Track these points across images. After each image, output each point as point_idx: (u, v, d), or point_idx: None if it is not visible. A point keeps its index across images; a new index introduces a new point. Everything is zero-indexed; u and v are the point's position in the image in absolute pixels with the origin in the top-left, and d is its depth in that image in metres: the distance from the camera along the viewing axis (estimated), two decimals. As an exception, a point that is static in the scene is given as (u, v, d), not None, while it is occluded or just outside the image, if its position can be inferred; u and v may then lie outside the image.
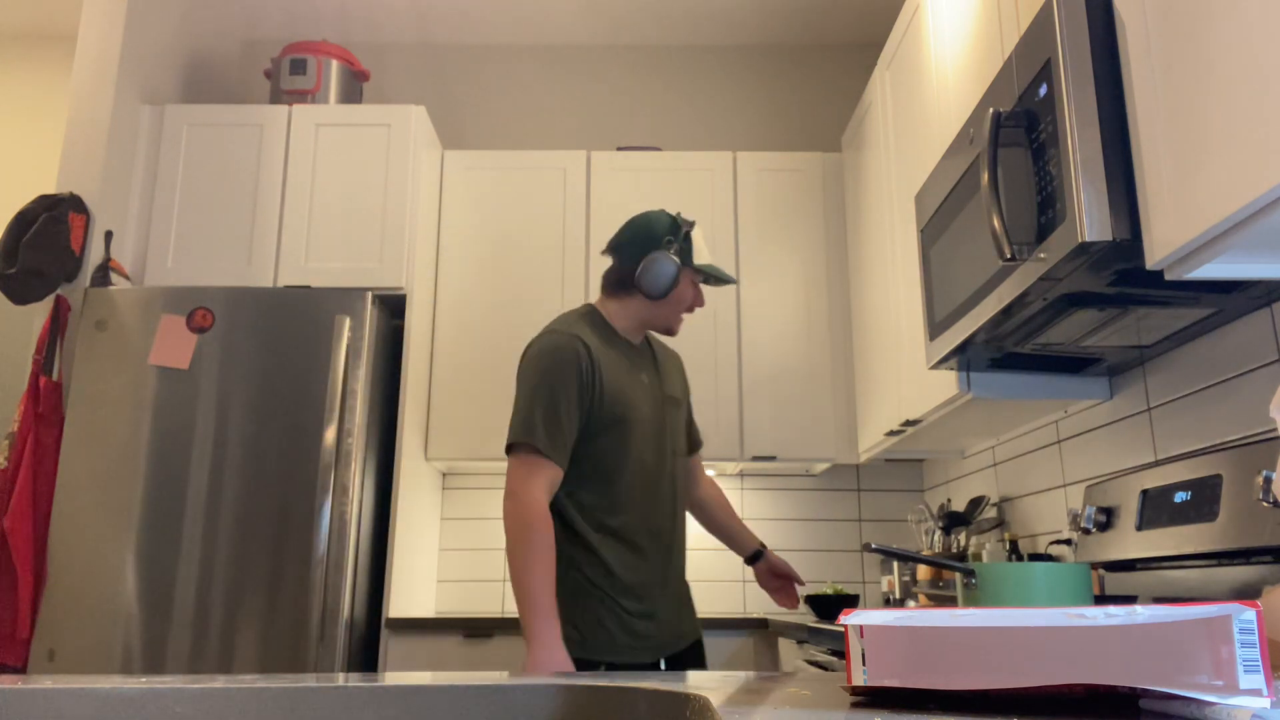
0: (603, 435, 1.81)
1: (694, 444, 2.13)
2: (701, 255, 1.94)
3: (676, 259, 1.89)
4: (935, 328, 2.06)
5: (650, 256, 1.88)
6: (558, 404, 1.76)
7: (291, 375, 2.71)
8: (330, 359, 2.72)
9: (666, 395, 1.96)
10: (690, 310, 1.97)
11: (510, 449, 1.78)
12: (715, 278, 1.97)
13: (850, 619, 0.66)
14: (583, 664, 1.76)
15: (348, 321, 2.72)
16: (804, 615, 2.97)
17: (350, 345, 2.73)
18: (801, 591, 3.39)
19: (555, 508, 1.82)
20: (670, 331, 1.97)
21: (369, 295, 2.78)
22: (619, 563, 1.81)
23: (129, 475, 2.64)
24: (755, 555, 2.16)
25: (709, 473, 3.13)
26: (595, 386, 1.80)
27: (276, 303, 2.76)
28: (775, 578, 2.15)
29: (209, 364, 2.73)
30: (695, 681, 0.86)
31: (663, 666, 1.88)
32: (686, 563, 1.99)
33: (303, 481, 2.65)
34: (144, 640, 2.55)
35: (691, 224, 1.96)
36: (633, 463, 1.84)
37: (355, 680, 0.87)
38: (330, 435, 2.63)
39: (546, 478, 1.74)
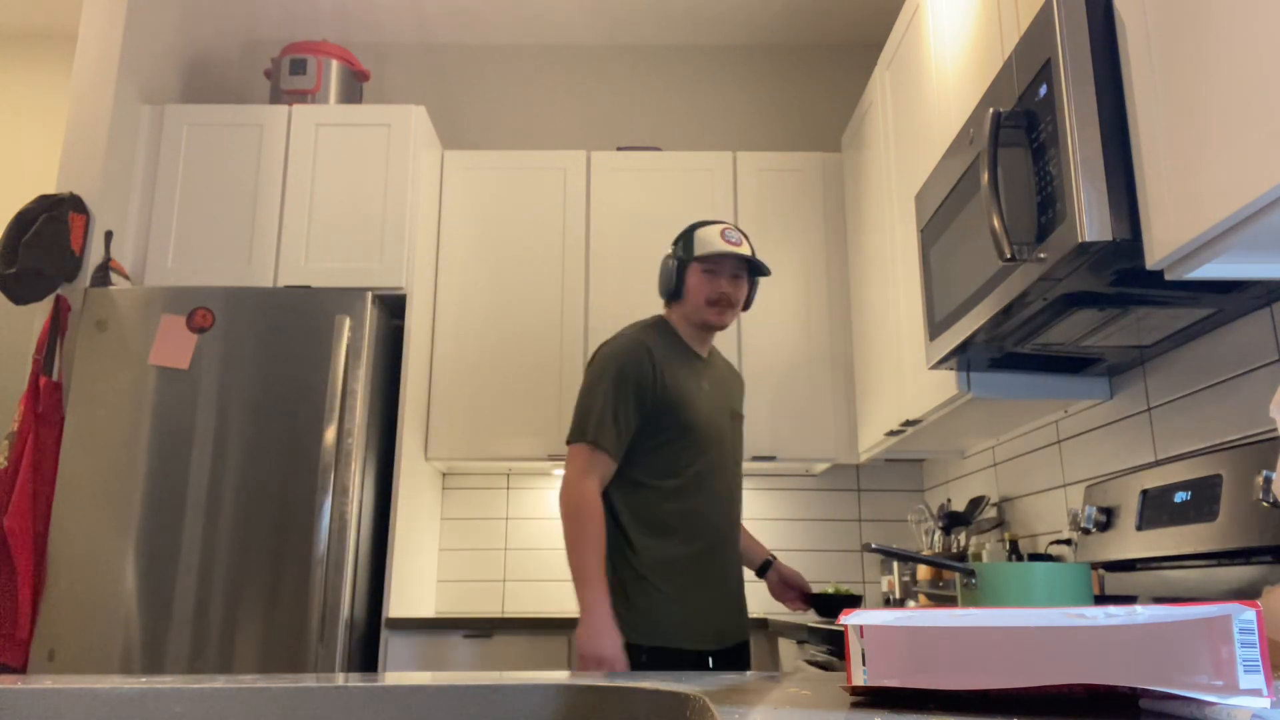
0: (663, 434, 1.93)
1: None
2: (705, 246, 2.01)
3: (675, 258, 2.05)
4: (935, 328, 2.06)
5: (661, 265, 2.09)
6: (617, 402, 1.90)
7: (291, 375, 2.71)
8: (330, 359, 2.72)
9: (728, 406, 2.07)
10: (715, 303, 2.02)
11: (570, 441, 1.93)
12: (746, 261, 2.02)
13: (850, 619, 0.66)
14: (627, 647, 1.84)
15: (348, 321, 2.72)
16: (805, 615, 2.97)
17: (350, 345, 2.73)
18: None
19: (610, 499, 1.95)
20: (712, 327, 2.05)
21: (369, 295, 2.78)
22: (668, 554, 1.90)
23: (129, 475, 2.64)
24: (765, 566, 2.22)
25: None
26: (656, 387, 1.93)
27: (276, 303, 2.76)
28: (788, 588, 2.20)
29: (209, 364, 2.73)
30: (694, 682, 0.86)
31: (710, 664, 1.94)
32: (742, 569, 2.07)
33: (303, 481, 2.64)
34: (144, 640, 2.55)
35: (699, 223, 2.06)
36: (689, 462, 1.94)
37: (355, 680, 0.87)
38: (330, 435, 2.63)
39: (600, 470, 1.90)
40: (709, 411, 2.00)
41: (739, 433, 2.10)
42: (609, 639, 1.78)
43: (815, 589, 3.39)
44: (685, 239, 2.05)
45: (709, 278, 2.01)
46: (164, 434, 2.67)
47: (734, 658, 2.00)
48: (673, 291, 2.05)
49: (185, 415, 2.69)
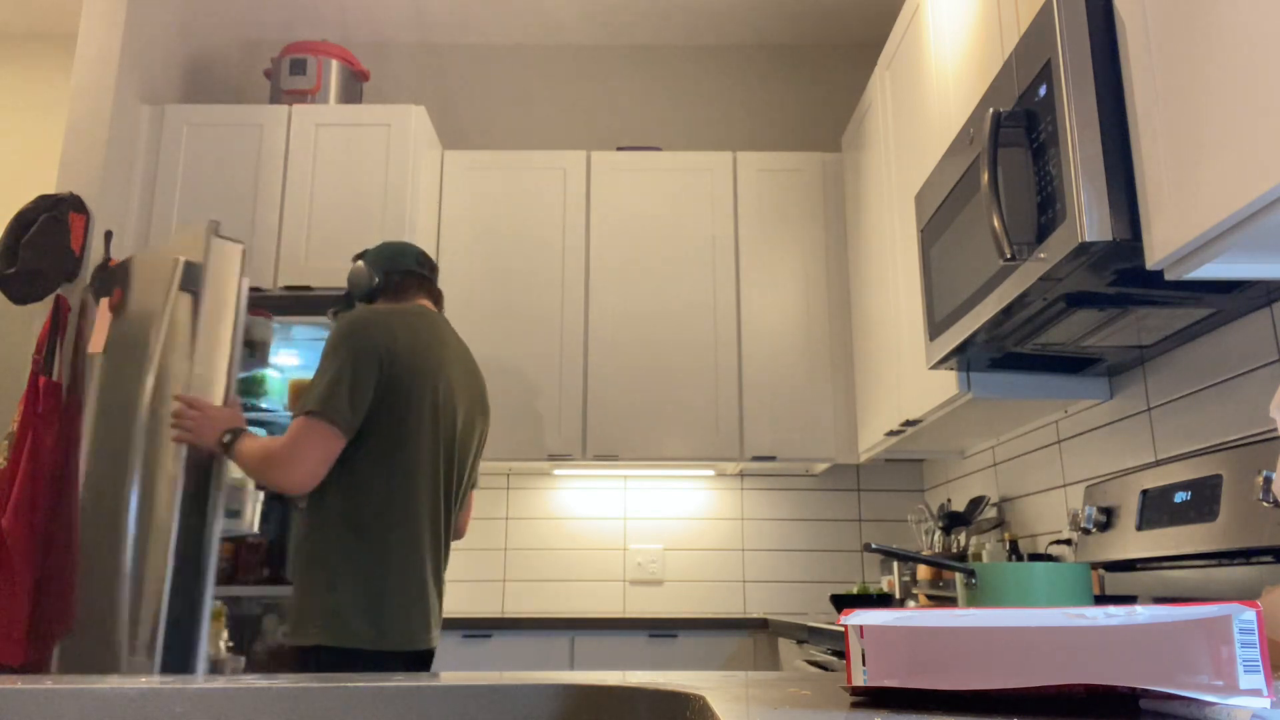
0: None
1: None
2: None
3: None
4: (935, 328, 2.06)
5: None
6: None
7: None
8: (330, 359, 2.71)
9: None
10: None
11: None
12: None
13: (850, 619, 0.66)
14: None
15: (348, 321, 2.72)
16: (805, 615, 2.97)
17: (350, 345, 2.73)
18: (810, 591, 3.39)
19: None
20: None
21: (369, 295, 2.78)
22: None
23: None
24: None
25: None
26: None
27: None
28: None
29: (209, 364, 2.72)
30: (695, 681, 0.86)
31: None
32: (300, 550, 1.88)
33: (303, 481, 2.64)
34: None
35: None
36: None
37: (356, 680, 0.87)
38: (330, 435, 2.62)
39: None
40: None
41: None
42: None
43: (830, 590, 3.38)
44: None
45: None
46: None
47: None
48: None
49: (185, 415, 2.68)
